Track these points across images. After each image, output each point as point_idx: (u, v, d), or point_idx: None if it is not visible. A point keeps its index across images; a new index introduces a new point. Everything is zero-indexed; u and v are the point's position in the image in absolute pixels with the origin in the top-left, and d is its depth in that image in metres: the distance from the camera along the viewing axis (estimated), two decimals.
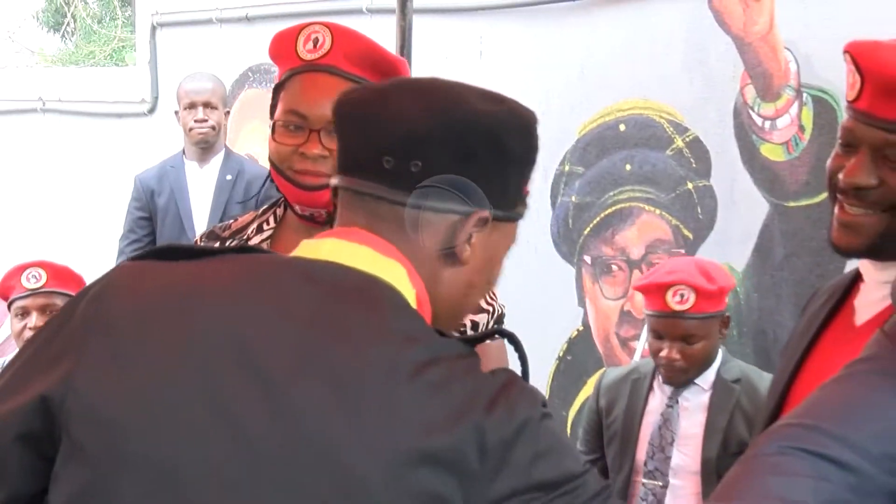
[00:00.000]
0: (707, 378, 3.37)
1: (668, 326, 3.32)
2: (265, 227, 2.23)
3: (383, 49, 2.15)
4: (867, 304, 1.89)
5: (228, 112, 5.17)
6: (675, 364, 3.31)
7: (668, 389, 3.42)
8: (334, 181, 1.51)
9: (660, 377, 3.45)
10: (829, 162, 1.89)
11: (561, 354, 4.63)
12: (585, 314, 4.67)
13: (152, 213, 4.97)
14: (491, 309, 2.18)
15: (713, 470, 3.22)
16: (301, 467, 1.34)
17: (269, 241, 2.20)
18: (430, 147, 1.45)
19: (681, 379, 3.37)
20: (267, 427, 1.35)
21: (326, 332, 1.39)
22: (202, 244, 2.27)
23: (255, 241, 2.20)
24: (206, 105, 4.90)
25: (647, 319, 3.45)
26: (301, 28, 2.13)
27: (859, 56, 1.80)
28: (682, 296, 3.27)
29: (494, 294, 2.17)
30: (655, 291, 3.35)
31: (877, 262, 1.88)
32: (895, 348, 1.53)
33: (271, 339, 1.39)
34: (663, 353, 3.32)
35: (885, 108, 1.77)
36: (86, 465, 1.40)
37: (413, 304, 1.45)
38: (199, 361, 1.39)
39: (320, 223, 2.09)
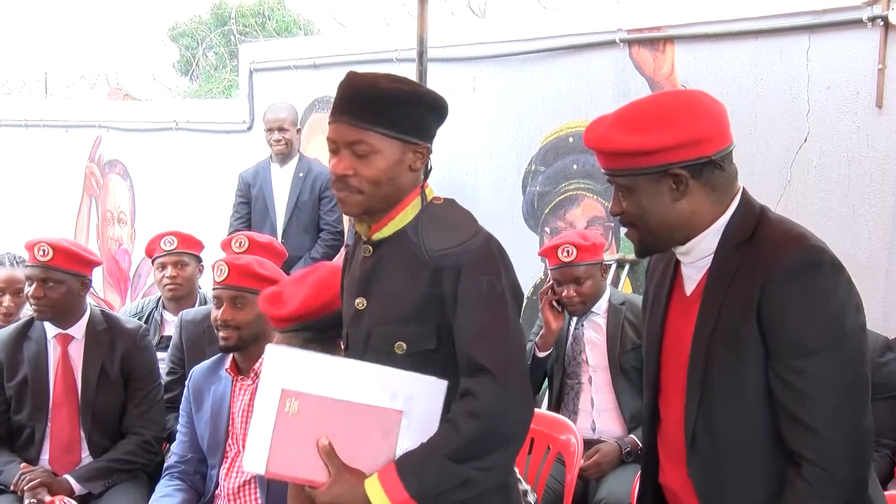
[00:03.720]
0: (601, 306, 3.36)
1: (563, 274, 3.32)
2: None
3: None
4: (688, 279, 1.78)
5: (300, 129, 5.16)
6: (574, 300, 3.32)
7: (576, 319, 3.42)
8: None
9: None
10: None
11: (528, 295, 4.64)
12: (545, 268, 4.68)
13: (249, 199, 4.98)
14: None
15: (617, 364, 3.25)
16: None
17: None
18: None
19: (580, 310, 3.35)
20: None
21: None
22: None
23: None
24: (280, 129, 4.88)
25: (550, 274, 3.42)
26: None
27: (585, 139, 1.75)
28: (567, 251, 3.29)
29: None
30: (551, 252, 3.35)
31: (677, 248, 1.77)
32: None
33: None
34: (564, 294, 3.32)
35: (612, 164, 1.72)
36: None
37: None
38: None
39: None
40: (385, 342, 1.82)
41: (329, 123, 1.84)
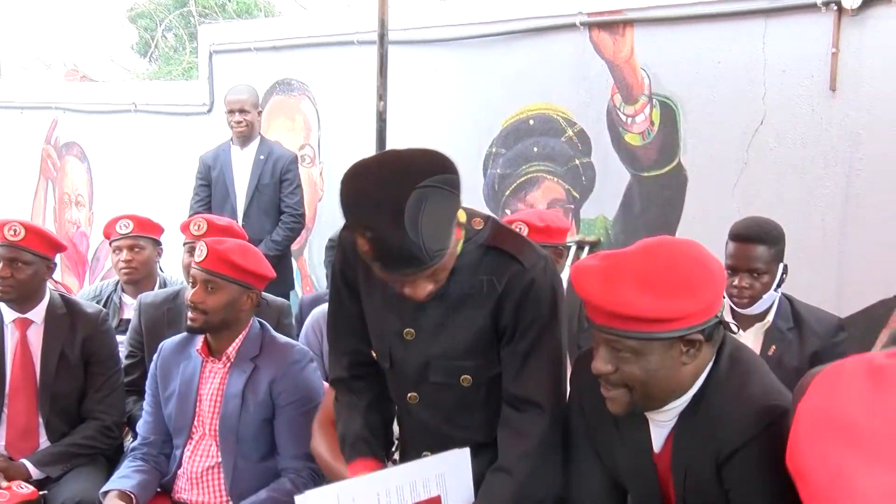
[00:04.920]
0: None
1: None
2: None
3: None
4: (657, 437, 1.73)
5: (261, 112, 5.10)
6: None
7: None
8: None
9: None
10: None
11: None
12: None
13: (209, 181, 4.92)
14: None
15: (576, 342, 3.20)
16: None
17: None
18: None
19: None
20: None
21: None
22: None
23: None
24: (241, 111, 4.84)
25: None
26: None
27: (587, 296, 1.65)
28: (519, 228, 3.20)
29: None
30: None
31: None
32: None
33: None
34: None
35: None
36: None
37: None
38: None
39: None
40: (449, 376, 1.87)
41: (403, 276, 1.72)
